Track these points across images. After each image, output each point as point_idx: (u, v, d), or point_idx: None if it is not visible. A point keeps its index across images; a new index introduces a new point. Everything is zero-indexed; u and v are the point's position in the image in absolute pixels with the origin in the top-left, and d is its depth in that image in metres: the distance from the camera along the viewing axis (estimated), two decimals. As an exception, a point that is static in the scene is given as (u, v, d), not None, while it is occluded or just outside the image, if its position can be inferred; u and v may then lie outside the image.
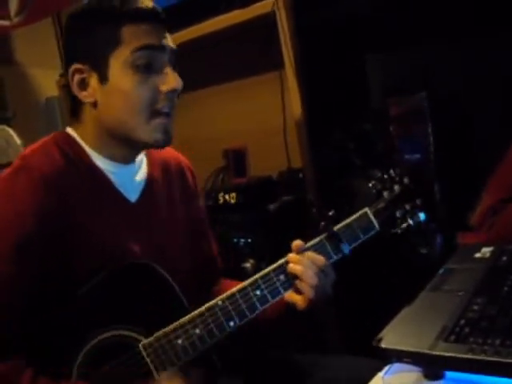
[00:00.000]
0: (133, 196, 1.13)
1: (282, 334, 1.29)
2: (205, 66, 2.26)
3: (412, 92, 1.66)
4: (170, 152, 1.27)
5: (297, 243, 1.07)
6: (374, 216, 1.11)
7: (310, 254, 1.06)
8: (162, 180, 1.21)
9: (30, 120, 2.66)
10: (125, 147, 1.10)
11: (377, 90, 1.85)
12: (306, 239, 1.09)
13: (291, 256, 1.06)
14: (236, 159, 2.01)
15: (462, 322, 0.88)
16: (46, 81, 2.71)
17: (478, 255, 1.17)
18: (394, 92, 1.72)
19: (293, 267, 1.04)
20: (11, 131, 2.35)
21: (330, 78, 1.83)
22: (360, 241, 1.10)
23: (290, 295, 1.07)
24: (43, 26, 2.61)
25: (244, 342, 1.16)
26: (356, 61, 1.88)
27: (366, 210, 1.12)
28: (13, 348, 0.95)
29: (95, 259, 1.03)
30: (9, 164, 1.25)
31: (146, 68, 1.03)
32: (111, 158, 1.10)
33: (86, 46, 1.05)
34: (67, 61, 1.08)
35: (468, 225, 1.37)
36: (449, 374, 0.83)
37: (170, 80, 1.05)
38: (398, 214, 1.14)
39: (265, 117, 2.16)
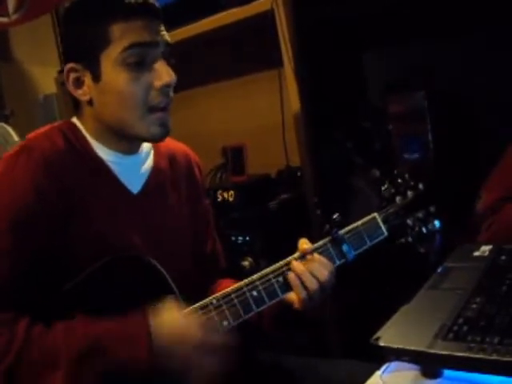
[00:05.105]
0: (135, 187, 1.12)
1: (274, 336, 1.27)
2: (203, 64, 2.25)
3: (411, 90, 1.65)
4: (178, 145, 1.26)
5: (304, 246, 1.06)
6: (383, 222, 1.08)
7: (316, 256, 1.04)
8: (168, 173, 1.19)
9: (28, 117, 2.65)
10: (125, 140, 1.10)
11: (376, 88, 1.85)
12: (306, 238, 1.08)
13: (295, 264, 1.04)
14: (234, 157, 2.00)
15: (461, 320, 0.88)
16: (44, 78, 2.70)
17: (476, 254, 1.16)
18: (394, 90, 1.71)
19: (294, 276, 1.03)
20: (9, 129, 2.35)
21: (329, 75, 1.83)
22: (366, 247, 1.08)
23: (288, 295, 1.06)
24: (41, 23, 2.60)
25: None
26: (355, 58, 1.88)
27: (375, 214, 1.09)
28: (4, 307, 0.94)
29: (92, 247, 1.02)
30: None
31: (138, 65, 1.02)
32: (113, 148, 1.10)
33: (78, 45, 1.04)
34: (64, 59, 1.09)
35: (466, 224, 1.37)
36: (447, 372, 0.83)
37: (163, 75, 1.03)
38: (409, 222, 1.10)
39: (263, 115, 2.16)
